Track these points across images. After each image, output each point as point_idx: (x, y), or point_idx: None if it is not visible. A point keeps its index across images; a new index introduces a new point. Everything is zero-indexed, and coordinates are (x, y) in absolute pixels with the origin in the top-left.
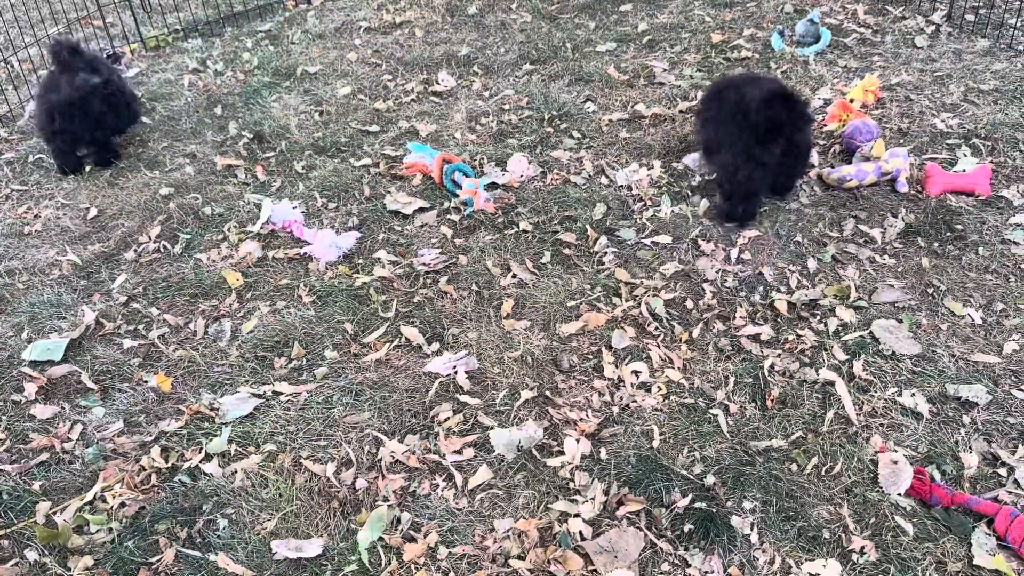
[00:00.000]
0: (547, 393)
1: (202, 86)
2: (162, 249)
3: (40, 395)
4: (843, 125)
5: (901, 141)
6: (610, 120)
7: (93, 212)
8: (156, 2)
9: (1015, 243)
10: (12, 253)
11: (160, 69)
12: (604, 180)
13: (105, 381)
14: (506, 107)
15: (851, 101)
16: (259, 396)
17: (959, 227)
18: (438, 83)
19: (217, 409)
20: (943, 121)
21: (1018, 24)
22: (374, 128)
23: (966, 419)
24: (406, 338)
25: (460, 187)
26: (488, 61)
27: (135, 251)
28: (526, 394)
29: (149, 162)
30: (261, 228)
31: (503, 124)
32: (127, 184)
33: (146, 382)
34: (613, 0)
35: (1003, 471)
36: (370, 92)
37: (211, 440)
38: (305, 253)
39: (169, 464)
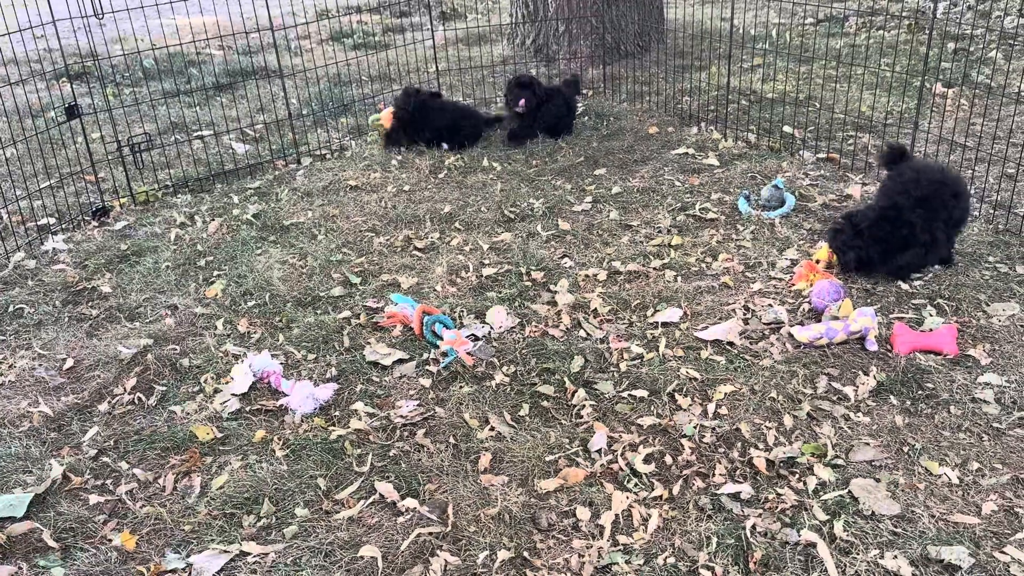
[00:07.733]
0: (525, 554)
1: (188, 240)
2: (136, 401)
3: None
4: (810, 285)
5: (868, 301)
6: (587, 275)
7: (70, 363)
8: (148, 159)
9: (985, 402)
10: None
11: (148, 222)
12: (582, 333)
13: (67, 539)
14: (486, 261)
15: (817, 262)
16: (226, 552)
17: (930, 385)
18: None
19: (187, 568)
20: (907, 282)
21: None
22: (356, 280)
23: None
24: (380, 494)
25: (441, 338)
26: (469, 218)
27: (109, 403)
28: (503, 554)
29: (130, 314)
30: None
31: (482, 278)
32: (105, 335)
33: (110, 540)
34: (588, 165)
35: None
36: (354, 246)
37: None
38: (281, 405)
39: None
